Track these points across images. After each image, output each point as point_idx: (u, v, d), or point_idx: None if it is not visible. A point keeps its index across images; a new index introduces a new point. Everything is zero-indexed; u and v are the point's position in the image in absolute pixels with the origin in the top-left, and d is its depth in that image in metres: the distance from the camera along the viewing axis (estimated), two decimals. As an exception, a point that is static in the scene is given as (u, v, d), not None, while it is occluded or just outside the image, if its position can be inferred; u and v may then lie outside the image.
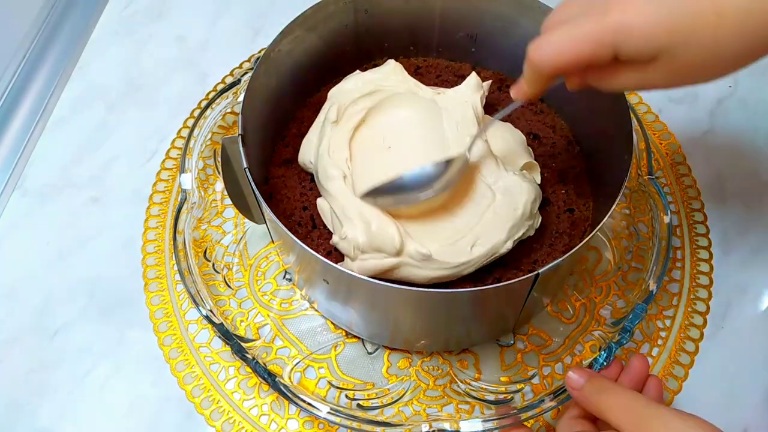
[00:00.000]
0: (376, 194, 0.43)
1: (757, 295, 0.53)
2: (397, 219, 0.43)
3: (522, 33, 0.52)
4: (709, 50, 0.30)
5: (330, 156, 0.46)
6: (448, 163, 0.44)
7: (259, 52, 0.65)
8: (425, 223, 0.44)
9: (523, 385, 0.48)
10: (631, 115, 0.44)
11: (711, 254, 0.54)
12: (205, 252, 0.53)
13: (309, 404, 0.42)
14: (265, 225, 0.50)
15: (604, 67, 0.33)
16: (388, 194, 0.43)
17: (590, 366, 0.42)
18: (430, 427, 0.40)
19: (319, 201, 0.47)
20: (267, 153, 0.52)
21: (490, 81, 0.53)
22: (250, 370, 0.43)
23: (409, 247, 0.41)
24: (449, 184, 0.43)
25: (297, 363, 0.49)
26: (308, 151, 0.49)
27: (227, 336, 0.44)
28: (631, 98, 0.63)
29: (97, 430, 0.48)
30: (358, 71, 0.53)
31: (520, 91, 0.38)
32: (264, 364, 0.43)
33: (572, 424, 0.39)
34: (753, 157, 0.60)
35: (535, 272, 0.38)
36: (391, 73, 0.51)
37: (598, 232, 0.40)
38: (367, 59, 0.57)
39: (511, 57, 0.55)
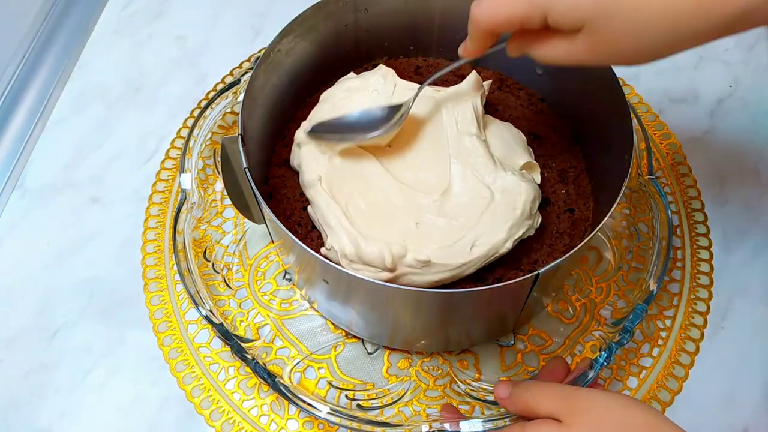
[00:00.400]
0: (322, 131, 0.46)
1: (758, 295, 0.53)
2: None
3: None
4: (630, 31, 0.31)
5: (308, 162, 0.47)
6: (394, 109, 0.46)
7: (259, 51, 0.65)
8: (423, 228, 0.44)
9: (523, 386, 0.48)
10: (632, 115, 0.44)
11: (711, 254, 0.54)
12: (204, 252, 0.53)
13: (309, 404, 0.42)
14: (264, 225, 0.50)
15: (537, 33, 0.35)
16: (335, 132, 0.46)
17: (590, 366, 0.42)
18: (430, 427, 0.40)
19: (309, 209, 0.47)
20: (267, 153, 0.52)
21: (491, 81, 0.53)
22: (250, 371, 0.43)
23: (407, 258, 0.41)
24: (393, 128, 0.45)
25: (297, 363, 0.49)
26: (296, 155, 0.49)
27: (227, 336, 0.44)
28: (632, 98, 0.63)
29: (97, 430, 0.48)
30: (352, 74, 0.53)
31: (464, 48, 0.40)
32: (264, 364, 0.43)
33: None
34: (753, 156, 0.60)
35: (536, 272, 0.38)
36: (382, 79, 0.51)
37: (598, 232, 0.40)
38: (367, 59, 0.57)
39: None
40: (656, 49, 0.32)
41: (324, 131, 0.47)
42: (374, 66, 0.57)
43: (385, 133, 0.45)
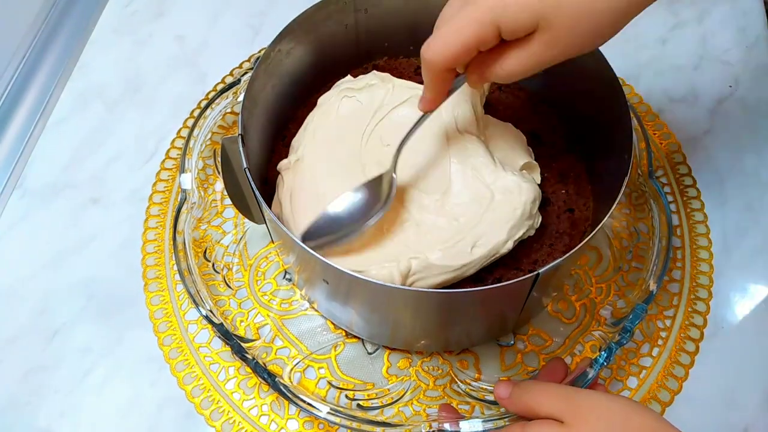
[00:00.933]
0: (315, 237, 0.42)
1: (758, 296, 0.53)
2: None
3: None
4: (582, 10, 0.31)
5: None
6: (374, 183, 0.43)
7: (259, 52, 0.65)
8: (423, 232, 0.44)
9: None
10: (631, 115, 0.44)
11: (711, 254, 0.54)
12: (204, 252, 0.53)
13: (309, 404, 0.42)
14: (264, 225, 0.50)
15: (493, 53, 0.34)
16: (327, 234, 0.42)
17: (590, 366, 0.42)
18: (430, 427, 0.40)
19: None
20: (267, 153, 0.52)
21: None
22: (250, 370, 0.43)
23: (412, 266, 0.41)
24: (387, 205, 0.42)
25: (297, 363, 0.49)
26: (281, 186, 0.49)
27: (227, 336, 0.44)
28: (632, 98, 0.63)
29: (97, 430, 0.48)
30: (349, 77, 0.53)
31: (423, 102, 0.39)
32: (264, 364, 0.43)
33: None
34: (753, 156, 0.60)
35: (536, 272, 0.38)
36: (379, 81, 0.50)
37: (598, 232, 0.40)
38: (367, 59, 0.57)
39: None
40: (612, 20, 0.32)
41: (319, 237, 0.42)
42: (375, 67, 0.57)
43: (382, 212, 0.42)
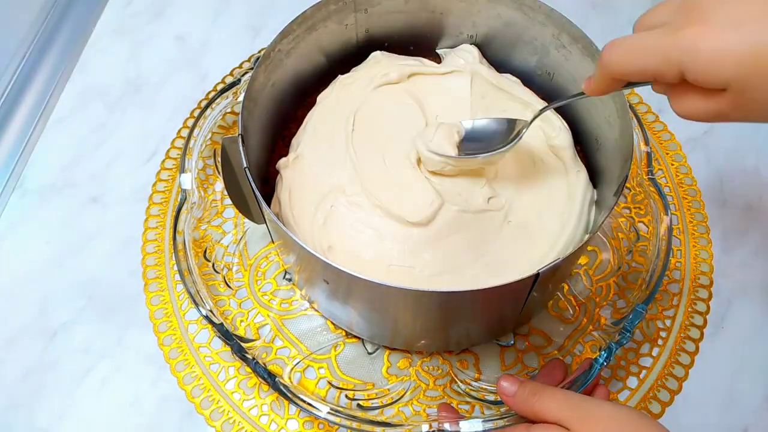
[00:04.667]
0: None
1: (758, 295, 0.53)
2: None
3: (522, 33, 0.52)
4: None
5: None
6: (510, 123, 0.46)
7: (259, 51, 0.65)
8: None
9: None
10: (632, 115, 0.44)
11: (711, 254, 0.54)
12: (205, 252, 0.53)
13: (309, 404, 0.42)
14: (265, 225, 0.50)
15: (674, 85, 0.31)
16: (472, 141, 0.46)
17: (590, 366, 0.42)
18: (430, 427, 0.40)
19: None
20: (267, 153, 0.52)
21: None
22: (250, 370, 0.43)
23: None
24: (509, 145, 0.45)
25: (297, 363, 0.49)
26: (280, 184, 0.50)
27: (227, 336, 0.44)
28: (631, 98, 0.63)
29: (97, 430, 0.48)
30: (340, 76, 0.53)
31: (588, 85, 0.36)
32: (264, 364, 0.43)
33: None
34: (753, 156, 0.60)
35: (536, 272, 0.38)
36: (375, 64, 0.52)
37: (598, 232, 0.40)
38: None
39: (511, 57, 0.55)
40: None
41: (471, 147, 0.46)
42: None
43: (500, 153, 0.45)
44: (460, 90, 0.51)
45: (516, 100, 0.52)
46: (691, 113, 0.32)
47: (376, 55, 0.55)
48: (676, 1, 0.31)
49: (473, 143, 0.46)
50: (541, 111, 0.45)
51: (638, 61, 0.31)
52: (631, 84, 0.34)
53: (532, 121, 0.44)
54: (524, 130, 0.45)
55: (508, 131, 0.46)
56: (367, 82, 0.52)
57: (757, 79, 0.28)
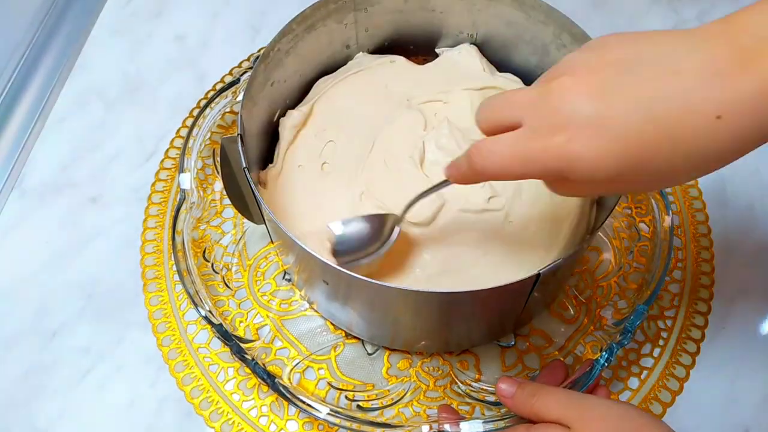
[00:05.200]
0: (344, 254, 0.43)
1: (759, 296, 0.53)
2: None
3: (522, 33, 0.52)
4: (664, 174, 0.28)
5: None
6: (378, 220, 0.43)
7: (259, 51, 0.65)
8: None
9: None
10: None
11: (712, 254, 0.54)
12: (204, 252, 0.53)
13: (308, 405, 0.41)
14: (264, 225, 0.50)
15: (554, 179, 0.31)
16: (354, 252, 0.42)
17: (591, 367, 0.42)
18: (431, 428, 0.40)
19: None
20: (266, 153, 0.52)
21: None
22: (250, 371, 0.43)
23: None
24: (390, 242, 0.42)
25: (296, 364, 0.49)
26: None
27: (226, 337, 0.44)
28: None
29: (96, 430, 0.48)
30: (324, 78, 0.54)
31: (455, 175, 0.35)
32: (263, 364, 0.43)
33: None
34: (755, 157, 0.59)
35: (536, 273, 0.37)
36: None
37: (599, 232, 0.40)
38: (367, 58, 0.57)
39: (511, 57, 0.55)
40: (718, 162, 0.29)
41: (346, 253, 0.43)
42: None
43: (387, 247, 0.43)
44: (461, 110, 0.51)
45: None
46: (572, 196, 0.34)
47: (360, 58, 0.55)
48: (528, 95, 0.30)
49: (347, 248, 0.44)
50: (411, 203, 0.42)
51: (515, 169, 0.31)
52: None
53: (404, 213, 0.42)
54: (397, 227, 0.42)
55: (380, 227, 0.43)
56: (363, 87, 0.52)
57: (636, 174, 0.28)
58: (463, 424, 0.40)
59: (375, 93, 0.52)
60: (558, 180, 0.31)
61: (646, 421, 0.35)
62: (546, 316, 0.51)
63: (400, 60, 0.55)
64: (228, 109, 0.53)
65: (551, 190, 0.33)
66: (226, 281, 0.52)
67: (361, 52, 0.56)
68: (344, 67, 0.55)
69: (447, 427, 0.40)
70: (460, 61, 0.54)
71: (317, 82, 0.54)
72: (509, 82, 0.53)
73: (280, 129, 0.51)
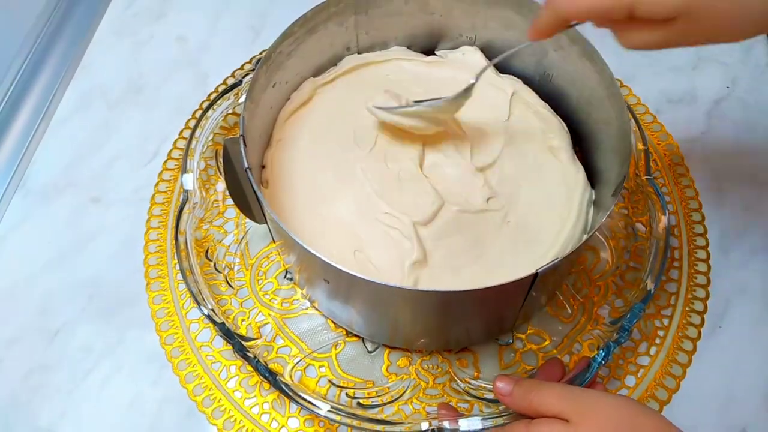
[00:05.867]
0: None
1: (756, 295, 0.53)
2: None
3: (521, 35, 0.52)
4: (733, 12, 0.30)
5: None
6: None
7: (260, 53, 0.65)
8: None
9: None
10: (629, 115, 0.45)
11: (709, 254, 0.54)
12: (206, 252, 0.53)
13: (309, 403, 0.42)
14: (266, 225, 0.51)
15: (618, 21, 0.33)
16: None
17: (588, 365, 0.42)
18: (430, 425, 0.41)
19: None
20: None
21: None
22: (251, 369, 0.43)
23: None
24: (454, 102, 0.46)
25: (298, 362, 0.50)
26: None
27: (228, 335, 0.44)
28: (630, 99, 0.63)
29: (98, 429, 0.48)
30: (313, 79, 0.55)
31: (533, 31, 0.38)
32: (265, 362, 0.43)
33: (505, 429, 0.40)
34: (751, 157, 0.60)
35: (534, 272, 0.38)
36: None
37: (596, 232, 0.41)
38: (368, 60, 0.58)
39: (511, 58, 0.55)
40: (762, 20, 0.31)
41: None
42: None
43: (447, 104, 0.46)
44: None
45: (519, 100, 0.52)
46: (639, 45, 0.34)
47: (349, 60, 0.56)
48: None
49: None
50: (485, 68, 0.46)
51: (590, 5, 0.33)
52: (573, 24, 0.36)
53: (479, 75, 0.45)
54: (473, 83, 0.45)
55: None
56: (361, 88, 0.53)
57: (705, 6, 0.30)
58: (462, 421, 0.40)
59: (375, 91, 0.53)
60: (625, 22, 0.33)
61: (641, 410, 0.35)
62: (544, 315, 0.51)
63: (401, 55, 0.56)
64: (230, 111, 0.53)
65: (618, 41, 0.35)
66: (229, 280, 0.53)
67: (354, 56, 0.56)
68: (336, 67, 0.56)
69: (446, 424, 0.40)
70: (466, 62, 0.55)
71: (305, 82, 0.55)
72: (513, 82, 0.54)
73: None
